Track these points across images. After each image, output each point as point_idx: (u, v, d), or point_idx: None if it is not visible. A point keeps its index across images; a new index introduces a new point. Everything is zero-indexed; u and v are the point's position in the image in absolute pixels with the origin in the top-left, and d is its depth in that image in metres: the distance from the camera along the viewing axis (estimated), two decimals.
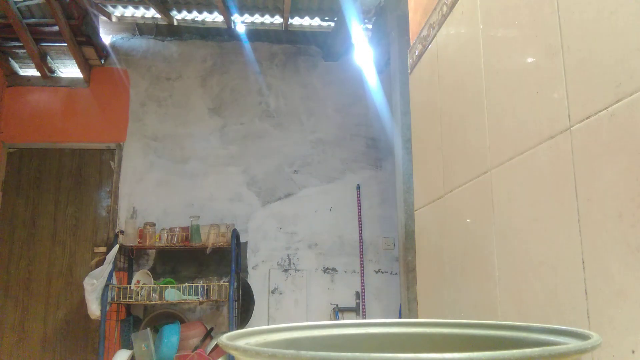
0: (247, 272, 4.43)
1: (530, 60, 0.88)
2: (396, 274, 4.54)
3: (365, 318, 4.47)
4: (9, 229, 4.32)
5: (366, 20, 4.36)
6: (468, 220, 1.12)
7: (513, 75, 0.94)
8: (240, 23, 4.61)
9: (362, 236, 4.60)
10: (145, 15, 4.54)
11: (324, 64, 4.88)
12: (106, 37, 4.68)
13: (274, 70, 4.82)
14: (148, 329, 3.74)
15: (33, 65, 4.45)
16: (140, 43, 4.75)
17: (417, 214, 1.50)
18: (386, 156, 4.71)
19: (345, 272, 4.55)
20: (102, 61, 4.64)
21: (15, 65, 4.55)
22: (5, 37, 4.18)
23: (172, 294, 3.76)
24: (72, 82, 4.59)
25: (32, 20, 4.16)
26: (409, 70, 1.59)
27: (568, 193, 0.76)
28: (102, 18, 4.52)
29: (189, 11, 4.47)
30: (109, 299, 3.66)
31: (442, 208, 1.29)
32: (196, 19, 4.58)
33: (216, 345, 3.64)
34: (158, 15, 4.46)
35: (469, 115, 1.12)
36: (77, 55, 4.35)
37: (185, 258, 4.34)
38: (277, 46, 4.87)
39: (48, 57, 4.49)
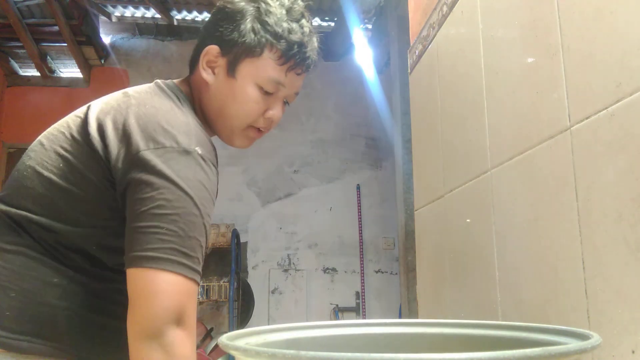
0: (247, 272, 4.43)
1: (530, 60, 0.88)
2: (396, 274, 4.54)
3: (365, 318, 4.47)
4: None
5: (366, 20, 4.36)
6: (468, 220, 1.12)
7: (513, 75, 0.94)
8: None
9: (362, 236, 4.60)
10: (145, 15, 4.54)
11: (324, 64, 4.88)
12: (106, 37, 4.67)
13: None
14: None
15: (33, 65, 4.45)
16: (140, 43, 4.75)
17: (417, 214, 1.50)
18: (386, 156, 4.71)
19: (345, 272, 4.54)
20: (102, 61, 4.64)
21: (15, 65, 4.55)
22: (5, 37, 4.17)
23: None
24: (72, 82, 4.59)
25: (32, 20, 4.16)
26: (409, 70, 1.59)
27: (568, 193, 0.76)
28: (102, 18, 4.52)
29: (189, 11, 4.47)
30: None
31: (442, 208, 1.29)
32: (196, 19, 4.57)
33: (216, 345, 3.64)
34: (158, 15, 4.46)
35: (469, 115, 1.12)
36: (77, 55, 4.35)
37: None
38: None
39: (48, 57, 4.49)
